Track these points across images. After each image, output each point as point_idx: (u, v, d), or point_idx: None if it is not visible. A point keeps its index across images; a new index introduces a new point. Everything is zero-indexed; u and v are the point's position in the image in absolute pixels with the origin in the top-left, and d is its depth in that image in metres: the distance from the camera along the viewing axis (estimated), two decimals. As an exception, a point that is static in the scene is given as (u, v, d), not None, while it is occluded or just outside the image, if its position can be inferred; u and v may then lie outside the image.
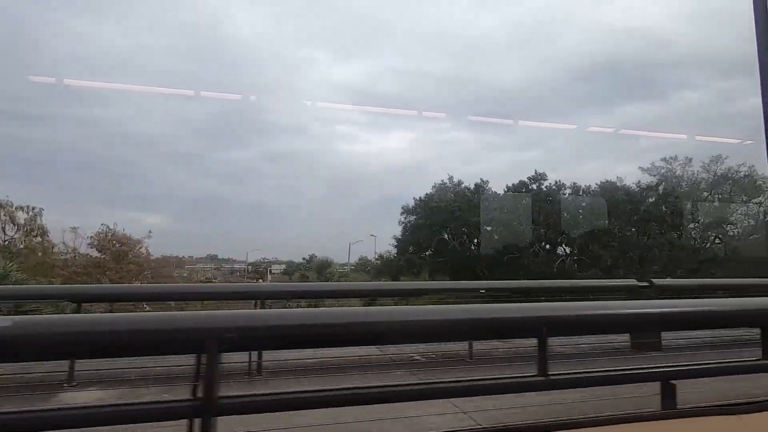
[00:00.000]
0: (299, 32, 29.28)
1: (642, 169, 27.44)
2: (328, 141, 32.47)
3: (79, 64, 24.47)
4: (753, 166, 25.72)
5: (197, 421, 1.78)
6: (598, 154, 33.94)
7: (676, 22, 28.00)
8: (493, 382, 2.47)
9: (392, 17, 29.17)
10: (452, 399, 3.44)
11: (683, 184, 27.14)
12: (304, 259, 34.87)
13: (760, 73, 1.99)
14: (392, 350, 5.63)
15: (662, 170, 27.22)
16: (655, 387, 2.66)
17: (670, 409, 2.65)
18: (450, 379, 2.45)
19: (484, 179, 27.11)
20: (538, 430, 2.41)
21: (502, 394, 2.53)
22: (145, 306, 10.75)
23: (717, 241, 26.09)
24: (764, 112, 2.02)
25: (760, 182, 25.80)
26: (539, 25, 29.49)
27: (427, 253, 26.92)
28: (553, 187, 27.29)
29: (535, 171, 27.49)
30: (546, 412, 3.13)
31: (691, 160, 26.81)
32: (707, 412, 2.45)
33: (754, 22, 2.18)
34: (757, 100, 1.96)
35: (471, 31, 28.32)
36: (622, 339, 6.51)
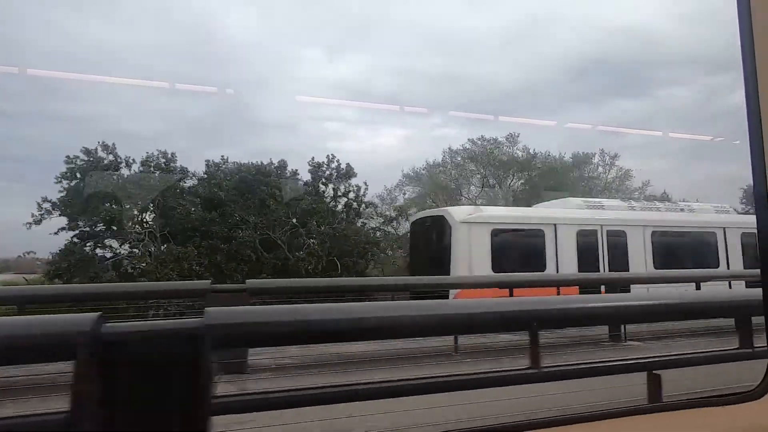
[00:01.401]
0: (292, 29, 28.60)
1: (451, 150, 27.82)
2: (320, 139, 31.76)
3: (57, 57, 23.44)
4: (509, 144, 26.87)
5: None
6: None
7: (670, 22, 28.56)
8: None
9: (387, 17, 28.92)
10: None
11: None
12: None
13: (744, 70, 2.01)
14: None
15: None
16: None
17: (656, 401, 2.67)
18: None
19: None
20: (526, 427, 2.39)
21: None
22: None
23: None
24: (747, 110, 2.03)
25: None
26: (533, 23, 29.71)
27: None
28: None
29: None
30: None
31: (497, 139, 27.34)
32: (694, 404, 2.47)
33: (738, 18, 2.18)
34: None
35: (463, 30, 28.26)
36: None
